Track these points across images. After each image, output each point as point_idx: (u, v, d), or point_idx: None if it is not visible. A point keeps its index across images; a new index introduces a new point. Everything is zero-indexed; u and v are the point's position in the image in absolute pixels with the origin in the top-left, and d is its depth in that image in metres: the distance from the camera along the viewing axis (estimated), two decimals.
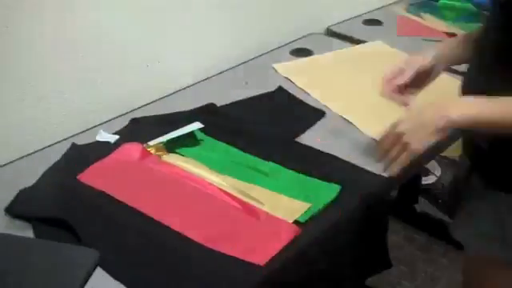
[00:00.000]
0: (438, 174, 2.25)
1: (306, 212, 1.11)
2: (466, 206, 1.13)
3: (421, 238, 2.12)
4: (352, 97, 1.52)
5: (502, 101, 0.97)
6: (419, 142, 1.03)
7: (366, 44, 1.84)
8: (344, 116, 1.44)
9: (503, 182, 1.04)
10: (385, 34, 1.88)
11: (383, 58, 1.70)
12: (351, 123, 1.41)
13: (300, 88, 1.58)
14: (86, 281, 0.82)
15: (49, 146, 1.34)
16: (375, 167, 1.21)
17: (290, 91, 1.56)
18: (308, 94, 1.55)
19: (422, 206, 2.18)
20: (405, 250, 2.08)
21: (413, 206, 2.17)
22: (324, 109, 1.47)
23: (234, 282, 0.97)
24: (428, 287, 1.97)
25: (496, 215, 1.04)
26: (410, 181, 2.00)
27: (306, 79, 1.61)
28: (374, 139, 1.31)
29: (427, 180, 2.25)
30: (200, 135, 1.36)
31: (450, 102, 1.02)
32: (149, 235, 1.06)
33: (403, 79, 1.18)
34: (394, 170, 1.11)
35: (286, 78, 1.63)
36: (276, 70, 1.67)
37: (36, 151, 1.33)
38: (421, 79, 1.20)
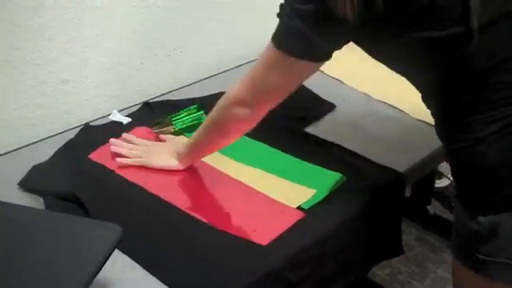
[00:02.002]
0: (451, 178, 2.23)
1: (310, 198, 1.12)
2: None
3: (432, 239, 2.11)
4: (386, 82, 1.50)
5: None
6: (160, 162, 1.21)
7: None
8: (387, 101, 1.47)
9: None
10: None
11: None
12: (367, 116, 1.41)
13: (330, 76, 1.59)
14: (108, 256, 0.84)
15: (69, 130, 1.37)
16: (387, 160, 1.23)
17: (317, 80, 1.52)
18: (338, 81, 1.57)
19: (435, 208, 2.17)
20: (416, 251, 2.06)
21: (425, 208, 2.16)
22: (358, 94, 1.50)
23: (235, 259, 0.99)
24: None
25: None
26: (422, 181, 1.99)
27: (334, 66, 1.59)
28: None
29: (440, 183, 2.24)
30: None
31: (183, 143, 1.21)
32: (156, 213, 1.09)
33: None
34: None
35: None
36: None
37: (56, 134, 1.36)
38: None
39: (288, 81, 1.01)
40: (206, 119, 1.15)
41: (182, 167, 1.20)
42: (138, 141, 1.27)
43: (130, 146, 1.25)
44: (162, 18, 1.50)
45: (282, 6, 0.94)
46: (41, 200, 1.12)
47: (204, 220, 1.07)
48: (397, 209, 1.24)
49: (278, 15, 0.95)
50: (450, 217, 2.04)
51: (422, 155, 1.26)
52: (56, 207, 1.09)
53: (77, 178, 1.17)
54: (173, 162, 1.20)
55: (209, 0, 1.59)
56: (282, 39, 0.95)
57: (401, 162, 1.23)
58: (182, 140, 1.25)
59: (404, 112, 1.42)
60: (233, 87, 1.06)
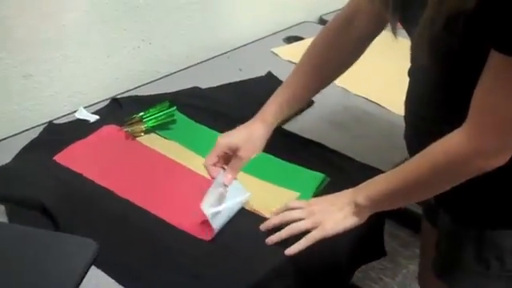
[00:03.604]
0: None
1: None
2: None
3: (403, 235, 2.09)
4: (362, 75, 1.47)
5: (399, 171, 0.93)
6: (335, 224, 0.96)
7: None
8: (365, 96, 1.42)
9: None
10: None
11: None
12: (346, 111, 1.37)
13: None
14: (85, 273, 0.77)
15: (32, 128, 1.28)
16: (366, 158, 1.18)
17: None
18: None
19: None
20: (387, 246, 2.04)
21: None
22: (336, 89, 1.43)
23: (220, 271, 0.94)
24: (409, 283, 1.94)
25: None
26: None
27: None
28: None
29: None
30: (180, 117, 1.31)
31: (359, 187, 0.98)
32: (129, 221, 1.02)
33: (207, 161, 1.07)
34: (298, 247, 0.96)
35: (289, 61, 1.57)
36: (275, 55, 1.63)
37: (18, 133, 1.26)
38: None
39: None
40: (403, 168, 0.92)
41: (361, 222, 0.98)
42: (295, 203, 1.01)
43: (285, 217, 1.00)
44: (129, 8, 1.41)
45: None
46: (1, 208, 1.03)
47: (181, 227, 1.00)
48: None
49: None
50: (420, 211, 2.02)
51: (406, 154, 1.22)
52: (20, 216, 1.00)
53: (42, 182, 1.08)
54: (352, 221, 0.97)
55: None
56: None
57: (384, 161, 1.18)
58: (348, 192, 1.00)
59: (384, 107, 1.39)
60: (460, 135, 0.83)
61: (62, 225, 0.98)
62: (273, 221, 0.99)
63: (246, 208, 1.05)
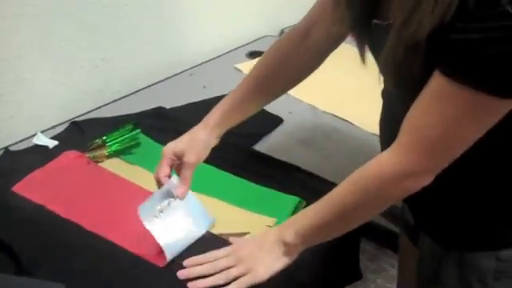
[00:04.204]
0: None
1: (272, 227, 1.03)
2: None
3: (370, 248, 2.08)
4: (330, 92, 1.48)
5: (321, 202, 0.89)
6: (267, 268, 0.90)
7: None
8: (334, 113, 1.40)
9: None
10: None
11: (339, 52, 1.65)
12: (316, 129, 1.34)
13: None
14: None
15: None
16: (337, 178, 1.14)
17: None
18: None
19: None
20: None
21: None
22: (304, 106, 1.42)
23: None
24: None
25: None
26: None
27: None
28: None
29: None
30: (145, 140, 1.25)
31: (283, 224, 0.93)
32: (99, 257, 0.95)
33: (159, 173, 1.01)
34: None
35: None
36: (239, 70, 1.60)
37: None
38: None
39: (484, 126, 0.76)
40: (330, 197, 0.88)
41: (293, 260, 0.92)
42: (218, 253, 0.94)
43: (210, 258, 0.94)
44: (87, 26, 1.35)
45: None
46: None
47: (155, 262, 0.95)
48: (355, 231, 1.17)
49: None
50: (387, 224, 2.01)
51: None
52: None
53: (1, 217, 1.01)
54: (283, 261, 0.91)
55: (139, 4, 1.45)
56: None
57: None
58: (272, 229, 0.97)
59: (353, 124, 1.37)
60: (388, 156, 0.82)
61: (24, 264, 0.91)
62: (198, 270, 0.91)
63: (217, 235, 1.00)
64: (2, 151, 1.19)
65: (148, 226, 0.93)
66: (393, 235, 1.26)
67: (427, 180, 0.81)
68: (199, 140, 1.03)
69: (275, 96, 1.10)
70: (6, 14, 1.17)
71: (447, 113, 0.75)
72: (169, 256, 0.93)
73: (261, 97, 1.09)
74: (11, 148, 1.21)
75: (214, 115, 1.06)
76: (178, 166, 1.03)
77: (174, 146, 1.02)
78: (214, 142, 1.06)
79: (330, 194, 0.88)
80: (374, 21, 0.84)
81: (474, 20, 0.68)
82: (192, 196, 1.02)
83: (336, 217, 0.87)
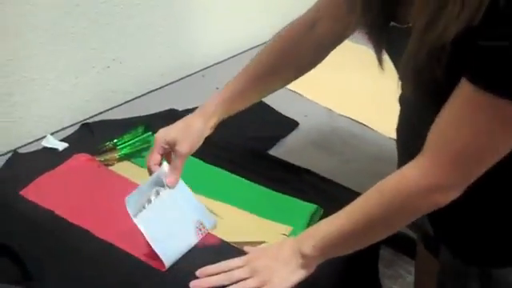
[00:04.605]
0: None
1: (288, 236, 0.99)
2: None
3: (386, 254, 2.03)
4: (347, 95, 1.44)
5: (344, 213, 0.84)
6: (283, 281, 0.86)
7: None
8: (351, 116, 1.36)
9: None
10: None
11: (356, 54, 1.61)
12: (333, 133, 1.30)
13: (289, 89, 1.44)
14: None
15: None
16: (355, 184, 1.11)
17: (275, 94, 1.38)
18: (298, 94, 1.45)
19: None
20: None
21: None
22: (320, 109, 1.38)
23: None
24: None
25: None
26: None
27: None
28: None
29: None
30: None
31: (302, 235, 0.89)
32: (109, 265, 0.91)
33: (150, 161, 0.98)
34: None
35: None
36: None
37: None
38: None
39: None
40: (353, 209, 0.83)
41: (310, 273, 0.88)
42: (233, 262, 0.90)
43: (224, 268, 0.90)
44: (98, 26, 1.31)
45: None
46: None
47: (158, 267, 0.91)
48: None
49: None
50: (404, 231, 1.97)
51: None
52: None
53: (7, 221, 0.98)
54: (300, 274, 0.87)
55: (150, 4, 1.41)
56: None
57: None
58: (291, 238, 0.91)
59: (371, 128, 1.33)
60: (415, 169, 0.77)
61: (32, 271, 0.88)
62: (212, 281, 0.87)
63: (231, 244, 0.97)
64: (11, 153, 1.16)
65: (137, 221, 0.88)
66: (410, 242, 1.22)
67: (456, 194, 0.77)
68: (194, 129, 0.98)
69: (276, 87, 1.07)
70: (15, 12, 1.14)
71: (477, 124, 0.71)
72: (167, 262, 0.90)
73: (262, 87, 1.05)
74: (20, 150, 1.17)
75: (212, 104, 1.01)
76: (169, 154, 0.98)
77: (166, 134, 0.98)
78: (208, 131, 1.01)
79: (352, 206, 0.84)
80: (392, 23, 0.80)
81: (505, 25, 0.64)
82: (185, 189, 0.98)
83: (359, 230, 0.83)
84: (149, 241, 0.89)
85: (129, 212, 0.88)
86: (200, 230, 0.98)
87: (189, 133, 0.98)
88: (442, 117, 0.74)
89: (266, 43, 1.04)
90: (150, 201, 0.92)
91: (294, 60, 1.02)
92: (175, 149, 0.96)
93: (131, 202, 0.89)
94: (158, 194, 0.93)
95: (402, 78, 0.83)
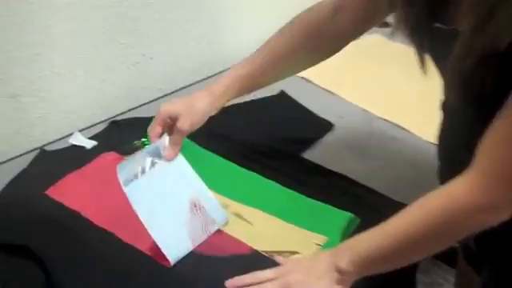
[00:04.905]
0: None
1: (323, 246, 0.94)
2: None
3: (424, 261, 1.97)
4: (385, 95, 1.38)
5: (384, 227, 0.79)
6: None
7: (363, 39, 1.67)
8: (390, 119, 1.30)
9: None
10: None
11: (388, 52, 1.57)
12: (370, 137, 1.25)
13: (324, 89, 1.42)
14: None
15: (20, 156, 1.13)
16: (394, 193, 1.05)
17: (309, 94, 1.39)
18: (333, 94, 1.40)
19: None
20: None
21: None
22: (357, 110, 1.33)
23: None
24: None
25: None
26: None
27: (329, 78, 1.44)
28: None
29: None
30: (186, 143, 1.16)
31: (338, 248, 0.84)
32: (134, 271, 0.88)
33: (151, 132, 0.96)
34: None
35: (303, 78, 1.44)
36: None
37: (4, 161, 1.12)
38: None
39: None
40: (395, 225, 0.78)
41: None
42: (264, 275, 0.84)
43: (255, 280, 0.84)
44: (127, 20, 1.27)
45: None
46: None
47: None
48: None
49: None
50: None
51: None
52: (6, 265, 0.86)
53: (31, 222, 0.94)
54: None
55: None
56: None
57: (416, 197, 1.06)
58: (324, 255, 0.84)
59: (409, 131, 1.26)
60: (464, 186, 0.72)
61: (54, 276, 0.84)
62: None
63: (262, 253, 0.92)
64: (37, 151, 1.13)
65: (127, 191, 0.86)
66: (450, 250, 1.16)
67: (507, 215, 0.71)
68: (199, 108, 0.96)
69: (292, 72, 1.07)
70: (42, 6, 1.10)
71: None
72: (172, 259, 0.87)
73: (280, 69, 1.02)
74: (46, 148, 1.14)
75: (222, 84, 0.98)
76: (171, 127, 0.96)
77: (170, 108, 0.96)
78: (214, 111, 0.98)
79: (393, 222, 0.78)
80: (436, 24, 0.74)
81: None
82: (186, 167, 0.95)
83: (400, 249, 0.77)
84: (141, 218, 0.86)
85: (119, 179, 0.85)
86: (195, 207, 0.93)
87: (192, 111, 0.95)
88: (493, 132, 0.69)
89: (285, 25, 1.01)
90: (143, 171, 0.89)
91: (315, 45, 0.99)
92: (176, 125, 0.94)
93: (123, 170, 0.86)
94: (153, 165, 0.90)
95: (446, 83, 0.78)
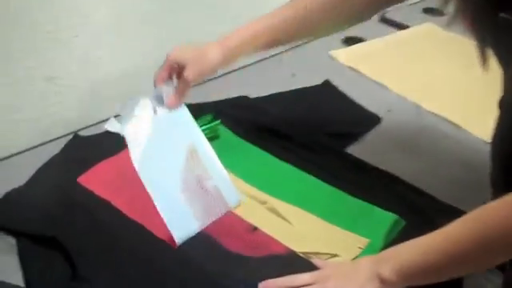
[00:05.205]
0: None
1: (364, 251, 0.88)
2: None
3: None
4: (439, 89, 1.31)
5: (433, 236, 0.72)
6: None
7: (416, 28, 1.60)
8: (443, 115, 1.21)
9: None
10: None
11: (442, 43, 1.50)
12: (420, 133, 1.16)
13: (373, 80, 1.34)
14: None
15: (53, 140, 1.10)
16: (445, 195, 0.98)
17: (356, 84, 1.32)
18: (381, 85, 1.32)
19: None
20: None
21: None
22: (407, 104, 1.26)
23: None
24: None
25: None
26: None
27: (378, 68, 1.37)
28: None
29: None
30: (224, 133, 1.12)
31: (382, 255, 0.77)
32: (166, 269, 0.83)
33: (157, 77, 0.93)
34: None
35: (350, 67, 1.38)
36: (333, 59, 1.43)
37: (36, 146, 1.09)
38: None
39: None
40: (448, 235, 0.72)
41: None
42: (300, 279, 0.79)
43: (290, 284, 0.80)
44: (167, 0, 1.23)
45: None
46: (13, 242, 0.86)
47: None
48: None
49: None
50: None
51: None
52: (33, 255, 0.83)
53: (60, 212, 0.90)
54: None
55: None
56: None
57: (468, 201, 0.98)
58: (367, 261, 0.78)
59: (464, 129, 1.18)
60: None
61: (80, 270, 0.81)
62: None
63: (299, 254, 0.86)
64: (71, 136, 1.09)
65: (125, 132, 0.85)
66: None
67: None
68: (208, 59, 0.91)
69: (318, 33, 1.04)
70: None
71: None
72: (178, 239, 0.85)
73: (307, 27, 0.96)
74: (81, 133, 1.11)
75: (237, 35, 0.93)
76: (179, 74, 0.93)
77: (179, 55, 0.92)
78: (225, 65, 0.94)
79: (444, 233, 0.71)
80: (501, 14, 0.67)
81: None
82: (188, 119, 0.93)
83: (449, 263, 0.71)
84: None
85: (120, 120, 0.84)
86: (192, 156, 0.91)
87: (202, 61, 0.91)
88: None
89: None
90: (139, 111, 0.88)
91: (346, 7, 0.94)
92: (183, 73, 0.90)
93: (124, 111, 0.85)
94: (155, 112, 0.89)
95: (508, 79, 0.71)
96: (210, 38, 0.95)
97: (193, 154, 0.92)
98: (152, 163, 0.87)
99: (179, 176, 0.89)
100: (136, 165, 0.85)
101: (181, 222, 0.86)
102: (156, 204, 0.85)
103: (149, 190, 0.85)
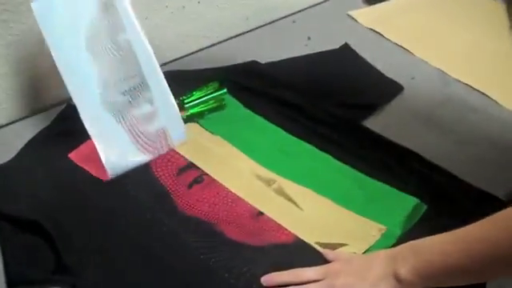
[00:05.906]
0: None
1: (379, 240, 0.79)
2: None
3: None
4: (467, 55, 1.21)
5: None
6: None
7: None
8: (471, 84, 1.11)
9: None
10: None
11: (473, 3, 1.39)
12: (445, 104, 1.06)
13: (396, 43, 1.24)
14: None
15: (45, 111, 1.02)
16: (473, 175, 0.89)
17: (377, 48, 1.22)
18: (404, 50, 1.22)
19: None
20: None
21: None
22: (431, 71, 1.15)
23: None
24: None
25: None
26: None
27: (402, 32, 1.26)
28: None
29: None
30: (231, 103, 1.03)
31: (399, 251, 0.70)
32: (163, 259, 0.76)
33: None
34: None
35: (371, 29, 1.27)
36: (353, 19, 1.32)
37: (25, 117, 1.01)
38: None
39: None
40: (470, 233, 0.65)
41: None
42: (307, 274, 0.73)
43: (296, 278, 0.73)
44: None
45: None
46: None
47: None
48: None
49: None
50: None
51: None
52: (14, 241, 0.76)
53: (50, 190, 0.83)
54: None
55: None
56: None
57: (498, 183, 0.89)
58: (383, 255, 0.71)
59: (494, 100, 1.07)
60: None
61: (66, 257, 0.74)
62: None
63: (307, 242, 0.78)
64: (64, 105, 1.01)
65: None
66: None
67: None
68: None
69: None
70: None
71: None
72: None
73: None
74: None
75: None
76: None
77: None
78: None
79: (466, 230, 0.64)
80: None
81: None
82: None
83: (471, 262, 0.63)
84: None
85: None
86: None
87: None
88: None
89: None
90: None
91: None
92: None
93: None
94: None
95: None
96: None
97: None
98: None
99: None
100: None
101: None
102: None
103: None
